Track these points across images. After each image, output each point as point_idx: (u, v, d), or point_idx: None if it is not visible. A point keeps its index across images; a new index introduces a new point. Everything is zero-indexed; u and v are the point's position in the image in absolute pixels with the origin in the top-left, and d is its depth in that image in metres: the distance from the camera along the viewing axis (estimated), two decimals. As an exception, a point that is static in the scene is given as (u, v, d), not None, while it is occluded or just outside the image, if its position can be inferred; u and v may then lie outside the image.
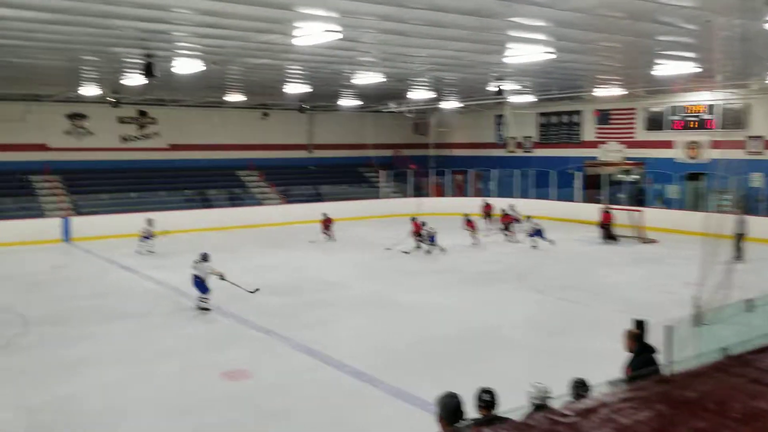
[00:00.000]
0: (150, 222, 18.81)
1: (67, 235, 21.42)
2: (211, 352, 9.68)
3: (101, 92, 21.70)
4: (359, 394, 8.06)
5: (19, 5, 9.22)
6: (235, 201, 26.64)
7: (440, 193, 30.06)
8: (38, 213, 22.64)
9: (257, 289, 12.62)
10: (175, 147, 27.66)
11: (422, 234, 18.47)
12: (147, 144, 27.32)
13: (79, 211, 23.14)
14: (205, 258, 12.10)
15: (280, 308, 12.29)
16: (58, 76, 18.03)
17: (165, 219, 20.15)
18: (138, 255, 18.03)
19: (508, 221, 21.22)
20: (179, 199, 25.52)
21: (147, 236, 18.63)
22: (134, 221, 20.17)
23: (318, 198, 27.54)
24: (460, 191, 30.37)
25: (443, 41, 12.43)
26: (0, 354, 9.63)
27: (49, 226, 21.41)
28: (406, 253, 18.17)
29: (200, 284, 11.91)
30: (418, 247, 18.43)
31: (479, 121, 31.29)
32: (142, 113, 27.16)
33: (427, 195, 29.55)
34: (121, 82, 18.38)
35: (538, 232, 18.98)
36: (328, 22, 10.40)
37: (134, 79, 17.16)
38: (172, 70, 15.22)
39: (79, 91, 21.36)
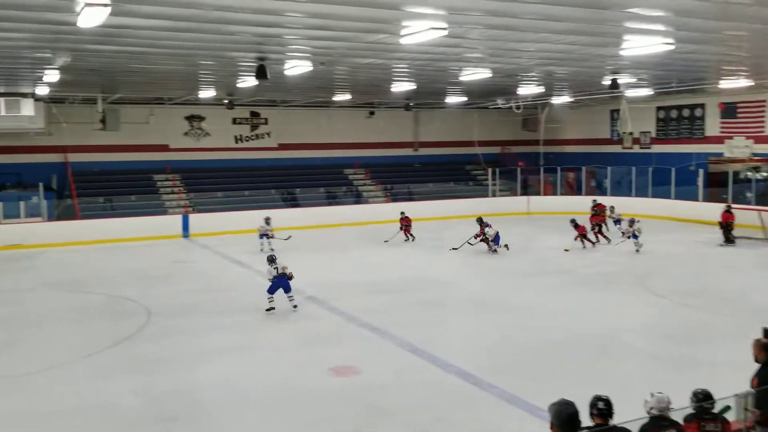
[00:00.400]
0: (268, 220, 19.27)
1: (186, 231, 22.79)
2: (320, 348, 9.99)
3: (217, 95, 22.89)
4: (466, 397, 8.04)
5: (145, 15, 9.89)
6: (341, 199, 27.30)
7: (550, 191, 29.34)
8: (161, 210, 24.26)
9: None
10: (284, 146, 28.73)
11: (485, 234, 18.31)
12: (258, 144, 28.56)
13: (196, 209, 24.56)
14: (271, 260, 12.28)
15: (387, 306, 12.47)
16: (178, 81, 19.22)
17: (275, 216, 20.93)
18: (253, 252, 18.64)
19: (598, 221, 20.14)
20: (288, 197, 26.49)
21: (266, 234, 19.05)
22: (247, 218, 21.16)
23: (426, 196, 27.67)
24: (572, 190, 29.50)
25: (555, 35, 12.12)
26: (127, 343, 10.38)
27: (170, 222, 22.86)
28: (454, 249, 18.37)
29: (274, 285, 12.11)
30: (493, 250, 18.29)
31: (592, 116, 30.24)
32: (254, 114, 28.40)
33: (536, 193, 28.95)
34: (236, 84, 19.32)
35: (634, 236, 18.10)
36: (435, 20, 10.42)
37: (248, 81, 18.01)
38: (283, 72, 15.83)
39: (198, 95, 22.66)
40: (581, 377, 8.23)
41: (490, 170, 29.88)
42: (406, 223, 20.69)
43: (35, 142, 24.09)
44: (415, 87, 21.22)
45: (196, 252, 19.97)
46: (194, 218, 23.30)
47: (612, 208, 21.56)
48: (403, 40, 11.63)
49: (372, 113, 29.88)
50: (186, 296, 13.61)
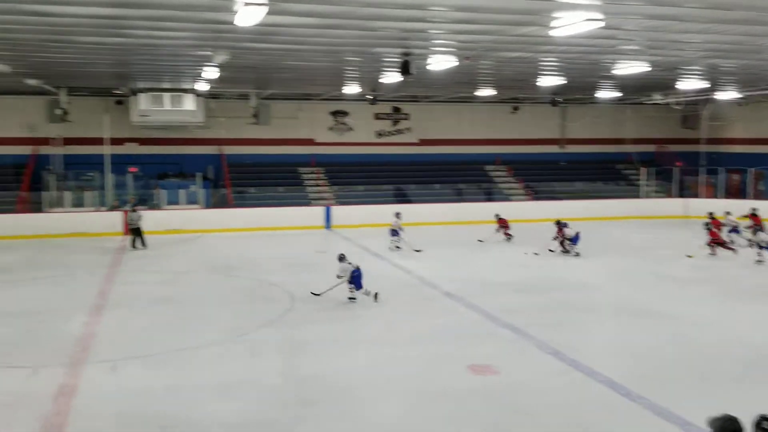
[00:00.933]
0: (398, 215, 19.56)
1: (328, 223, 23.74)
2: (459, 344, 10.03)
3: (361, 90, 23.56)
4: (611, 406, 7.73)
5: (299, 12, 10.40)
6: (482, 196, 27.09)
7: (711, 194, 27.33)
8: (305, 201, 25.44)
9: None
10: (424, 142, 29.02)
11: (565, 236, 17.77)
12: (399, 139, 29.06)
13: (339, 201, 25.48)
14: (341, 259, 12.55)
15: (526, 306, 12.27)
16: (325, 77, 20.01)
17: (416, 212, 21.19)
18: (391, 246, 19.09)
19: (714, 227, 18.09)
20: (429, 193, 26.72)
21: (397, 230, 19.29)
22: (386, 212, 21.62)
23: (572, 195, 26.84)
24: (737, 192, 27.29)
25: (723, 24, 11.29)
26: (272, 327, 11.01)
27: (314, 213, 23.95)
28: (536, 254, 17.76)
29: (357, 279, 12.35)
30: (565, 251, 17.81)
31: (763, 113, 27.76)
32: (396, 109, 28.93)
33: (695, 195, 27.11)
34: (379, 80, 19.78)
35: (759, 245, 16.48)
36: (589, 11, 10.08)
37: (391, 77, 18.38)
38: (427, 67, 15.99)
39: (343, 90, 23.46)
40: (736, 392, 7.69)
41: (643, 170, 28.37)
42: (503, 225, 20.35)
43: (195, 134, 26.12)
44: (564, 82, 20.62)
45: (338, 243, 20.68)
46: (336, 210, 24.21)
47: (728, 213, 19.83)
48: (553, 32, 11.35)
49: (516, 109, 29.41)
50: (327, 285, 14.15)
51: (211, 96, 24.69)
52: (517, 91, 25.62)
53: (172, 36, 12.62)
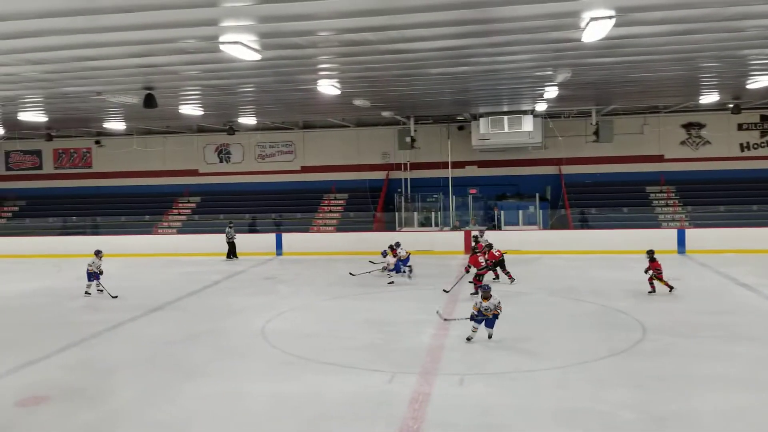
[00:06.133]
0: None
1: (682, 247, 22.16)
2: None
3: (720, 99, 21.62)
4: None
5: (650, 21, 10.07)
6: None
7: None
8: (654, 223, 24.17)
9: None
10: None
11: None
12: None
13: (693, 223, 23.64)
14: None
15: None
16: (676, 87, 18.83)
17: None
18: (761, 274, 17.04)
19: None
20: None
21: None
22: (753, 236, 19.43)
23: None
24: None
25: None
26: (623, 356, 10.68)
27: (664, 236, 22.58)
28: None
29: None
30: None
31: None
32: (765, 118, 25.81)
33: None
34: (745, 86, 17.93)
35: None
36: None
37: (760, 81, 16.54)
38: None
39: (697, 100, 21.80)
40: None
41: None
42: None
43: (532, 155, 26.83)
44: None
45: (694, 269, 19.23)
46: (691, 233, 22.51)
47: None
48: None
49: None
50: (683, 315, 13.31)
51: (549, 116, 25.13)
52: None
53: (513, 60, 13.25)
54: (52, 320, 14.61)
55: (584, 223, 24.78)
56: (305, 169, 30.15)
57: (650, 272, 15.39)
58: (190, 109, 20.19)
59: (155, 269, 21.04)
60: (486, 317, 11.52)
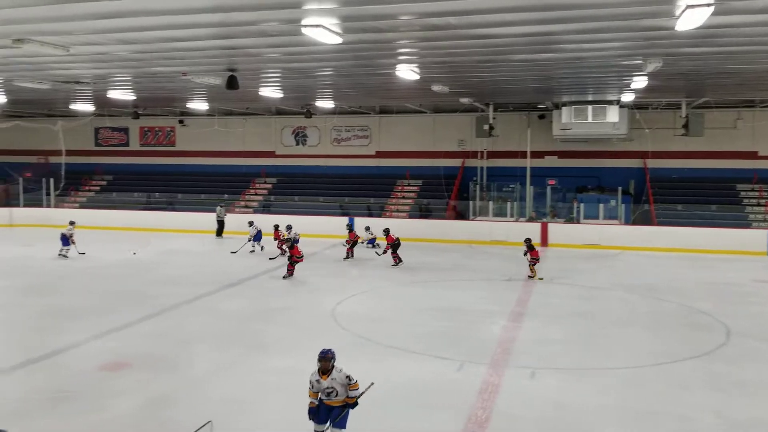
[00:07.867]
0: None
1: (772, 249, 21.21)
2: None
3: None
4: None
5: (753, 10, 9.60)
6: None
7: None
8: (744, 223, 23.18)
9: None
10: None
11: None
12: None
13: (786, 224, 22.55)
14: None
15: None
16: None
17: None
18: None
19: None
20: None
21: None
22: None
23: None
24: None
25: None
26: (703, 360, 10.34)
27: (754, 237, 21.64)
28: None
29: None
30: None
31: None
32: None
33: None
34: None
35: None
36: None
37: None
38: None
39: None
40: None
41: None
42: None
43: (616, 147, 26.09)
44: None
45: (787, 274, 18.41)
46: (782, 235, 21.46)
47: None
48: None
49: None
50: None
51: (636, 107, 24.36)
52: None
53: (601, 48, 12.89)
54: (134, 290, 15.32)
55: (669, 220, 23.96)
56: (380, 154, 30.30)
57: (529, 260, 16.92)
58: (270, 92, 20.61)
59: (232, 247, 21.70)
60: (329, 407, 6.65)
